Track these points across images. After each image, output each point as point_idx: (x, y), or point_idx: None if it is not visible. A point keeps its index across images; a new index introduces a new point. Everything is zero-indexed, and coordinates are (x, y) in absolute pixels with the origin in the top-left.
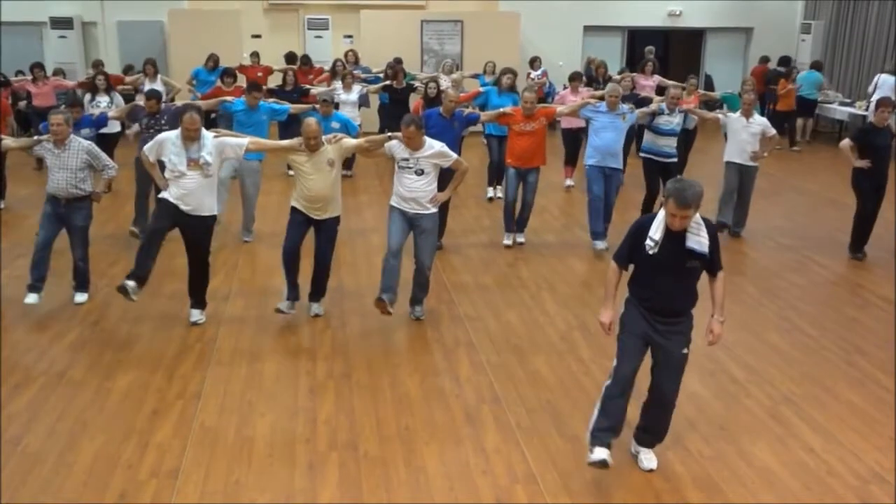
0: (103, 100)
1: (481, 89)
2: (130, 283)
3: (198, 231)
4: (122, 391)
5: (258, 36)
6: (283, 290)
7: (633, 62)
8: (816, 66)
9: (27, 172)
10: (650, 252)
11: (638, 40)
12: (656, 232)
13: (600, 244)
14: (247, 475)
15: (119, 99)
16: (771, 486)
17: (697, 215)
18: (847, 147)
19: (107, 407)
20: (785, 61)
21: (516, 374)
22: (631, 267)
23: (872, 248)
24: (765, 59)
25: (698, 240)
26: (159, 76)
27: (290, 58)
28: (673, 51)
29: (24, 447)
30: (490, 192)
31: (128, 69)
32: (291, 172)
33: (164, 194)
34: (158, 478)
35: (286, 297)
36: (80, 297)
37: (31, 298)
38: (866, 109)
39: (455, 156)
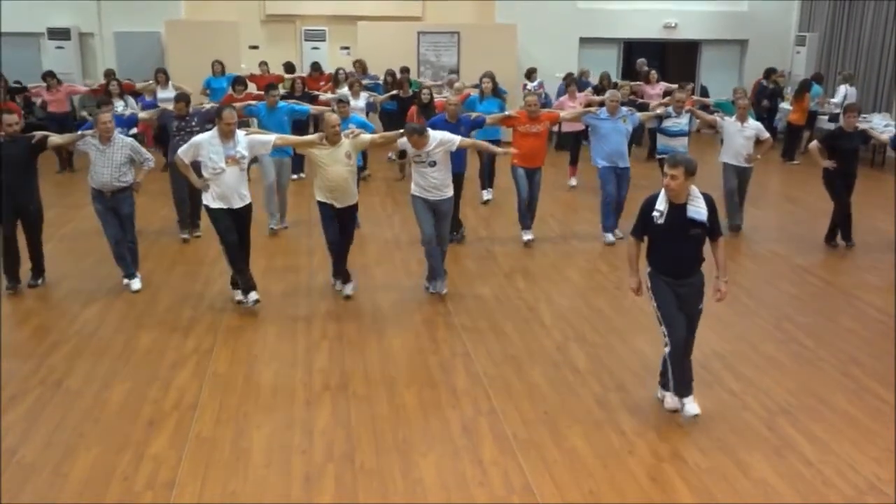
0: (118, 104)
1: (471, 92)
2: (252, 295)
3: (243, 219)
4: (119, 401)
5: (255, 47)
6: (333, 280)
7: (630, 74)
8: (817, 78)
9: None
10: (657, 222)
11: (634, 52)
12: (661, 203)
13: (609, 237)
14: (243, 487)
15: (132, 102)
16: (768, 498)
17: (695, 188)
18: (815, 149)
19: (103, 417)
20: (769, 72)
21: (513, 386)
22: (646, 244)
23: (868, 257)
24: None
25: (697, 210)
26: (170, 83)
27: (290, 67)
28: (669, 62)
29: (20, 458)
30: (486, 195)
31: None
32: (302, 175)
33: (206, 201)
34: (154, 489)
35: (343, 282)
36: (136, 285)
37: (136, 284)
38: (830, 119)
39: (458, 138)
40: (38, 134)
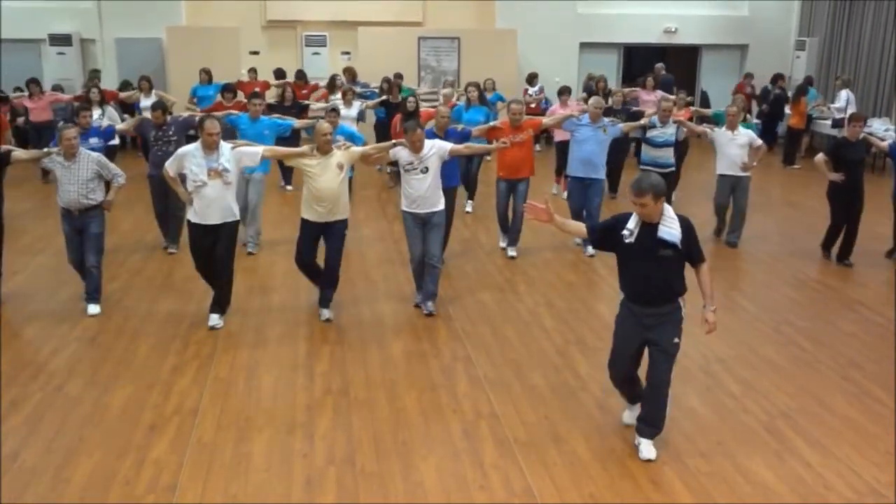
0: (95, 113)
1: (456, 102)
2: (214, 318)
3: (224, 238)
4: (120, 406)
5: (256, 52)
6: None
7: (630, 78)
8: (809, 81)
9: (32, 186)
10: (627, 241)
11: (634, 56)
12: (632, 223)
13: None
14: (244, 490)
15: (111, 112)
16: (768, 500)
17: (670, 209)
18: (821, 161)
19: (104, 422)
20: (776, 77)
21: (514, 389)
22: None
23: (866, 263)
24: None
25: (669, 230)
26: (153, 91)
27: (280, 73)
28: (669, 67)
29: (21, 463)
30: (468, 207)
31: (125, 86)
32: (289, 187)
33: (189, 215)
34: (156, 493)
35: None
36: (93, 309)
37: (93, 309)
38: (833, 125)
39: (449, 145)
40: (3, 148)
